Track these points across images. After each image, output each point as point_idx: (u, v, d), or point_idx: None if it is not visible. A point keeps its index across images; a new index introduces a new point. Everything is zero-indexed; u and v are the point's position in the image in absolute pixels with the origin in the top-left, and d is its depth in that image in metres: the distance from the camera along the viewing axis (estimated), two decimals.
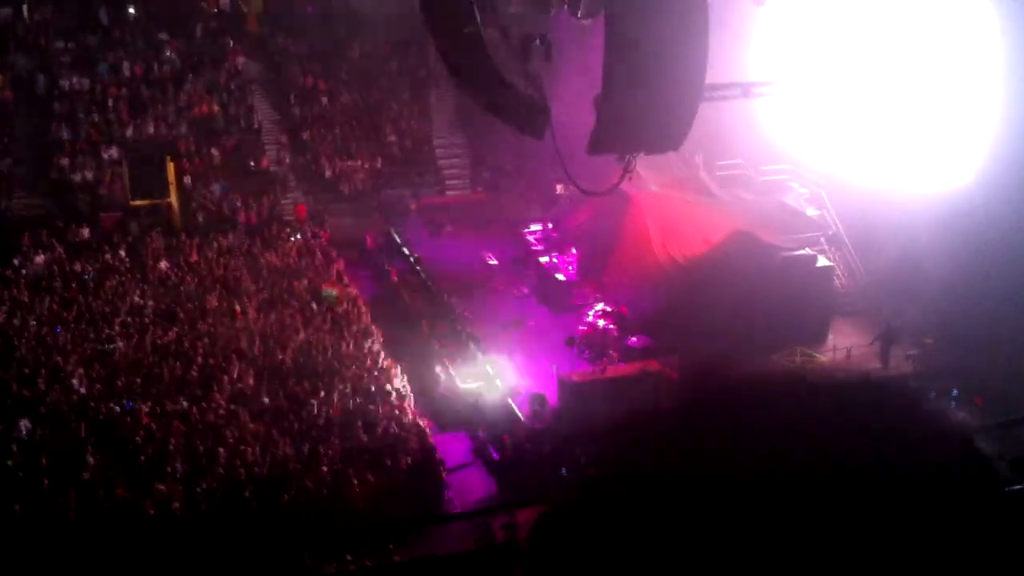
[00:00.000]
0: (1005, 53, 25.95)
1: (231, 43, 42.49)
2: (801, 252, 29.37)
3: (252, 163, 38.79)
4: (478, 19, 21.56)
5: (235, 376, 24.39)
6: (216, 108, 40.09)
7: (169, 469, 20.26)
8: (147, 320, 27.73)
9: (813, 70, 30.12)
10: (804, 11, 30.55)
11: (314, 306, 29.02)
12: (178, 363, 25.00)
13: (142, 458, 20.62)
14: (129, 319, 27.72)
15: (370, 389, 24.34)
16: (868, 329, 27.97)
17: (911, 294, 27.72)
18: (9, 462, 20.24)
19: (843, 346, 27.21)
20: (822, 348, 27.73)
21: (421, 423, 23.79)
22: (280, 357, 25.54)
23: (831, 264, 30.41)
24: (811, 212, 32.58)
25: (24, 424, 21.76)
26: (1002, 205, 24.85)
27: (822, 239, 31.36)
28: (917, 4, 27.67)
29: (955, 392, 26.02)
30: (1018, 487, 2.34)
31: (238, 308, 28.49)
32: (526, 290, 31.82)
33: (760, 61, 30.17)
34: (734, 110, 29.05)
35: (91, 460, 20.34)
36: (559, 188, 36.55)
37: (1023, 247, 24.18)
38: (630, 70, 18.51)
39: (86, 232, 34.38)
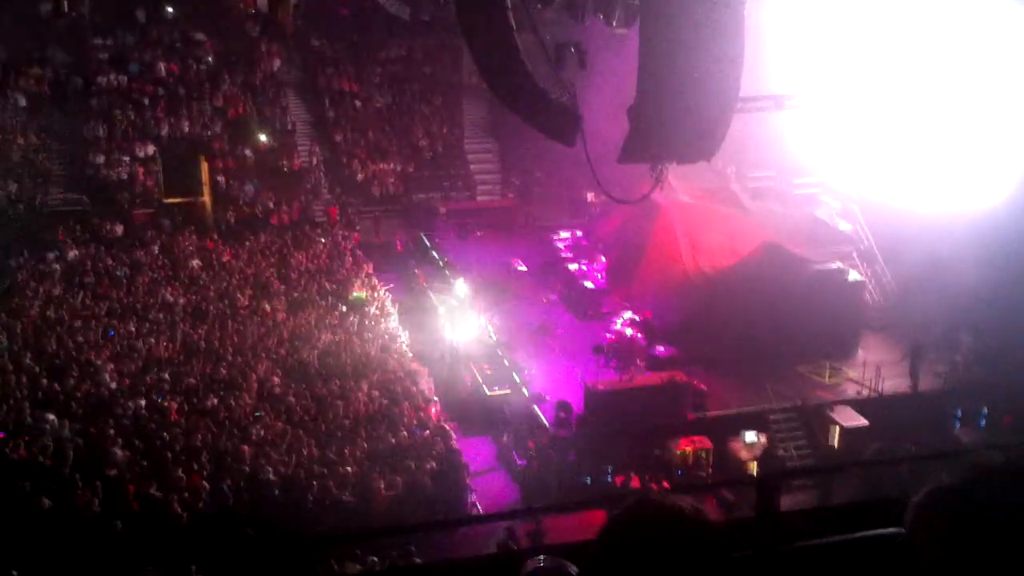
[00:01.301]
0: None
1: (266, 44, 42.77)
2: (832, 266, 29.26)
3: (285, 164, 39.01)
4: (513, 26, 21.63)
5: (263, 375, 24.54)
6: (250, 108, 40.35)
7: (195, 466, 20.36)
8: (178, 317, 27.95)
9: (846, 83, 30.00)
10: (836, 22, 30.42)
11: (343, 308, 29.18)
12: (207, 361, 25.19)
13: (169, 454, 20.74)
14: (160, 316, 27.95)
15: (396, 391, 24.41)
16: (898, 345, 27.80)
17: (942, 311, 27.54)
18: (40, 457, 20.37)
19: (873, 361, 27.03)
20: (851, 363, 27.57)
21: (446, 427, 23.84)
22: (307, 357, 25.68)
23: (862, 279, 30.28)
24: (843, 226, 32.49)
25: (51, 418, 21.93)
26: None
27: (853, 253, 31.26)
28: (951, 19, 27.48)
29: (985, 411, 25.85)
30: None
31: (268, 308, 28.67)
32: (554, 297, 31.84)
33: (793, 74, 30.07)
34: (767, 122, 29.03)
35: (119, 455, 20.45)
36: (589, 196, 36.59)
37: None
38: (664, 80, 18.52)
39: (119, 228, 34.70)
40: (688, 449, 24.18)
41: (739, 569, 2.57)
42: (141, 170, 37.27)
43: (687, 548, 2.09)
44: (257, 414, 22.73)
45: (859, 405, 25.52)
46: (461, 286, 30.17)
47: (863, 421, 24.84)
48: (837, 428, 24.90)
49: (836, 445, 24.99)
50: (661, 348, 27.34)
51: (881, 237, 31.18)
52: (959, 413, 26.02)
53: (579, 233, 34.88)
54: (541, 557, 2.59)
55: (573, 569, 2.28)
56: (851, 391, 26.62)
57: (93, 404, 22.71)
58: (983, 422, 25.98)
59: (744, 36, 18.33)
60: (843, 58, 30.32)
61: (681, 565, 2.08)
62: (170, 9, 42.70)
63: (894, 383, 26.10)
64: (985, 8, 26.36)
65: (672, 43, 18.26)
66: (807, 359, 27.16)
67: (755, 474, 23.31)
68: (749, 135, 28.28)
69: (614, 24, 23.15)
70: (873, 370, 26.48)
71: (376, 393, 24.13)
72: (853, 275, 29.83)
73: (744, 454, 24.47)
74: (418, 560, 18.09)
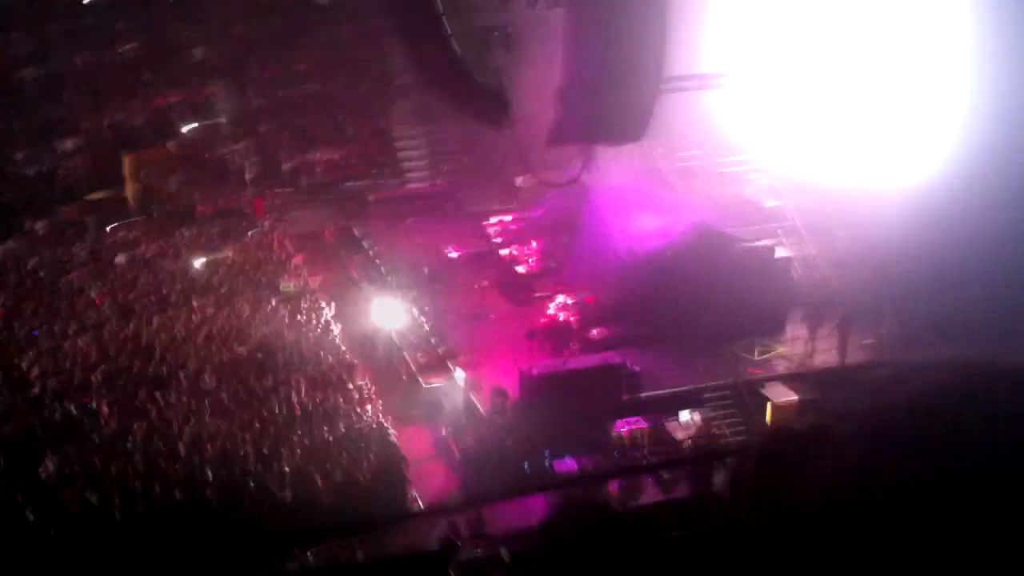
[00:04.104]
0: (970, 43, 26.16)
1: (189, 33, 42.00)
2: (759, 243, 29.56)
3: (209, 155, 38.43)
4: (441, 10, 21.54)
5: (194, 372, 24.21)
6: (173, 99, 39.63)
7: (129, 468, 20.06)
8: (104, 316, 27.45)
9: (774, 60, 30.28)
10: (764, 1, 30.66)
11: (273, 301, 28.87)
12: (136, 359, 24.78)
13: (100, 457, 20.40)
14: (87, 314, 27.44)
15: (331, 385, 24.24)
16: (825, 320, 28.19)
17: (868, 285, 27.98)
18: None
19: (801, 337, 27.41)
20: (781, 339, 27.93)
21: (383, 418, 23.74)
22: (239, 352, 25.38)
23: (789, 255, 30.64)
24: (769, 204, 32.81)
25: None
26: (966, 196, 25.10)
27: (779, 230, 31.58)
28: None
29: None
30: None
31: (196, 303, 28.27)
32: (487, 283, 31.78)
33: (720, 52, 30.25)
34: (694, 101, 29.21)
35: (49, 460, 20.09)
36: (519, 180, 36.55)
37: (985, 239, 24.45)
38: (590, 62, 18.59)
39: (41, 226, 33.95)
40: (624, 431, 24.33)
41: (673, 551, 2.59)
42: (63, 165, 36.47)
43: (611, 541, 2.16)
44: (192, 404, 22.48)
45: (790, 381, 25.87)
46: (392, 275, 29.99)
47: (794, 396, 25.19)
48: (769, 404, 25.21)
49: (769, 421, 25.31)
50: (595, 331, 27.45)
51: (808, 214, 31.55)
52: None
53: (510, 218, 34.83)
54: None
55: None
56: (781, 367, 26.97)
57: (20, 407, 22.26)
58: None
59: (668, 17, 18.44)
60: (772, 35, 30.60)
61: (610, 557, 2.14)
62: None
63: (823, 358, 26.50)
64: None
65: (598, 25, 18.32)
66: (737, 337, 27.44)
67: (691, 454, 23.60)
68: (677, 114, 28.41)
69: (539, 7, 23.12)
70: (802, 345, 26.86)
71: (311, 387, 23.94)
72: (780, 252, 30.19)
73: (680, 434, 24.70)
74: (360, 554, 18.04)
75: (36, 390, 23.18)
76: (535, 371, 24.96)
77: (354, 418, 22.96)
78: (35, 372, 23.90)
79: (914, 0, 27.16)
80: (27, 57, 39.46)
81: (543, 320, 28.08)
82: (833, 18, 29.00)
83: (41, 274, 30.24)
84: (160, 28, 41.60)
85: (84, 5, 41.51)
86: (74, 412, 22.19)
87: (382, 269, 31.80)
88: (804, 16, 29.82)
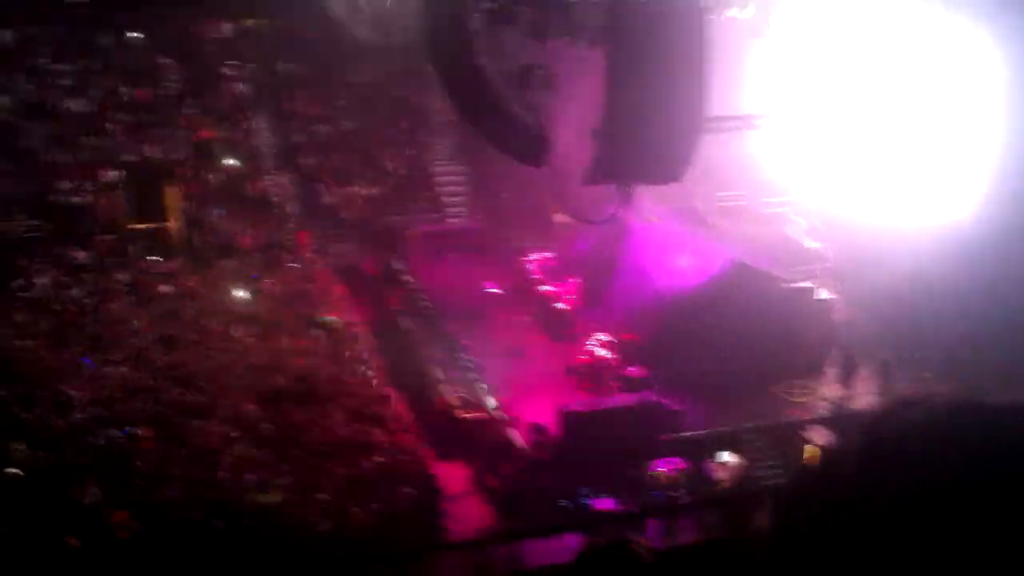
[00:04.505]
0: (1004, 83, 26.12)
1: (231, 68, 42.61)
2: (801, 284, 29.44)
3: (251, 188, 38.82)
4: (478, 49, 21.70)
5: (235, 402, 24.36)
6: (216, 132, 40.15)
7: (168, 494, 20.19)
8: (146, 344, 27.70)
9: (812, 102, 30.28)
10: (802, 43, 30.74)
11: (313, 332, 29.03)
12: (177, 388, 24.97)
13: (141, 483, 20.56)
14: (130, 343, 27.69)
15: (370, 416, 24.31)
16: (866, 362, 27.96)
17: (910, 327, 27.77)
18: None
19: (842, 379, 27.19)
20: (822, 381, 27.73)
21: (420, 451, 23.75)
22: (280, 383, 25.52)
23: (831, 297, 30.49)
24: (810, 244, 32.70)
25: (19, 447, 21.69)
26: (1001, 237, 24.96)
27: (820, 272, 31.45)
28: (915, 36, 27.84)
29: None
30: None
31: (237, 333, 28.48)
32: (526, 318, 31.80)
33: (760, 94, 30.32)
34: (735, 142, 29.24)
35: (92, 485, 20.25)
36: (559, 217, 36.63)
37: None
38: (630, 100, 18.64)
39: (84, 255, 34.34)
40: (663, 470, 24.19)
41: None
42: (105, 196, 36.93)
43: None
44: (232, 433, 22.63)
45: (830, 423, 25.65)
46: (431, 309, 30.09)
47: (834, 439, 24.93)
48: (809, 447, 25.01)
49: (808, 464, 25.04)
50: (634, 369, 27.37)
51: (849, 255, 31.41)
52: None
53: (550, 254, 34.87)
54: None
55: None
56: (822, 409, 26.76)
57: (64, 433, 22.47)
58: None
59: (709, 58, 18.49)
60: (812, 76, 30.63)
61: None
62: (134, 33, 42.46)
63: (864, 400, 26.28)
64: (946, 24, 26.74)
65: (637, 65, 18.39)
66: (778, 378, 27.29)
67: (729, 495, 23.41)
68: (717, 154, 28.45)
69: (579, 46, 23.22)
70: (843, 388, 26.64)
71: (349, 418, 24.02)
72: (822, 293, 30.05)
73: (719, 474, 24.53)
74: None
75: (79, 416, 23.39)
76: (573, 408, 24.95)
77: (391, 450, 22.99)
78: (78, 399, 24.12)
79: (950, 42, 27.14)
80: (70, 90, 40.15)
81: (582, 357, 28.04)
82: (872, 60, 29.02)
83: (85, 303, 30.54)
84: (201, 62, 42.25)
85: (127, 39, 42.25)
86: (116, 439, 22.37)
87: (421, 303, 31.89)
88: (843, 57, 29.84)
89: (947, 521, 1.11)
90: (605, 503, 23.21)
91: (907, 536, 1.12)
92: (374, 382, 26.80)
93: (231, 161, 39.38)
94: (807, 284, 29.76)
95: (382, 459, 22.51)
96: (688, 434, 25.16)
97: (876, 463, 1.25)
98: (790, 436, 25.44)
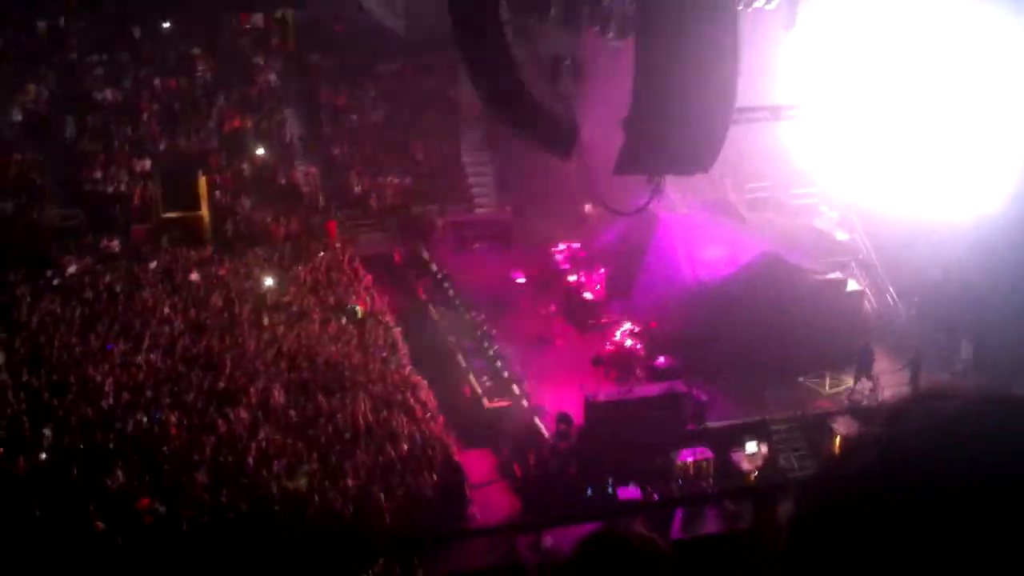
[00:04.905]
0: None
1: (262, 59, 42.86)
2: (831, 276, 29.27)
3: (282, 178, 39.04)
4: (509, 40, 21.70)
5: (262, 389, 24.53)
6: (247, 123, 40.40)
7: (196, 481, 20.37)
8: (177, 332, 27.93)
9: (843, 93, 30.08)
10: (833, 34, 30.53)
11: (342, 320, 29.19)
12: (207, 375, 25.18)
13: (168, 468, 20.75)
14: (160, 330, 27.93)
15: (396, 404, 24.41)
16: (898, 354, 27.77)
17: (942, 319, 27.56)
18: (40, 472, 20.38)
19: (872, 371, 27.01)
20: (851, 372, 27.54)
21: (446, 439, 23.83)
22: (307, 370, 25.68)
23: (861, 288, 30.31)
24: (841, 236, 32.53)
25: (47, 433, 21.95)
26: None
27: (852, 263, 31.26)
28: (948, 27, 27.60)
29: None
30: None
31: (267, 321, 28.68)
32: (553, 308, 31.78)
33: (790, 84, 30.15)
34: (764, 133, 29.10)
35: (119, 470, 20.46)
36: (587, 207, 36.59)
37: None
38: (659, 91, 18.56)
39: (117, 244, 34.67)
40: (689, 460, 24.14)
41: None
42: (138, 185, 37.27)
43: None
44: (260, 420, 22.79)
45: (860, 415, 25.50)
46: (459, 298, 30.17)
47: (864, 431, 24.77)
48: (838, 438, 24.88)
49: (837, 456, 24.92)
50: (661, 359, 27.31)
51: (880, 246, 31.21)
52: None
53: (577, 245, 34.83)
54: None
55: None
56: (851, 401, 26.61)
57: (92, 419, 22.71)
58: None
59: (739, 47, 18.38)
60: (841, 67, 30.42)
61: None
62: (166, 25, 42.78)
63: (894, 392, 26.07)
64: (979, 16, 26.49)
65: (668, 55, 18.31)
66: (807, 369, 27.16)
67: (755, 485, 23.32)
68: (747, 145, 28.33)
69: (610, 36, 23.15)
70: (873, 380, 26.46)
71: (376, 406, 24.13)
72: (852, 284, 29.88)
73: (745, 465, 24.46)
74: (420, 573, 18.10)
75: (109, 402, 23.63)
76: (600, 397, 24.90)
77: (418, 438, 23.08)
78: (108, 385, 24.36)
79: (981, 33, 26.88)
80: (105, 81, 40.52)
81: (609, 347, 28.00)
82: (903, 50, 28.79)
83: (116, 290, 30.82)
84: (233, 54, 42.51)
85: (162, 31, 42.57)
86: (145, 425, 22.59)
87: (449, 292, 31.97)
88: (875, 48, 29.63)
89: (973, 516, 1.09)
90: (630, 492, 23.19)
91: (932, 530, 1.09)
92: (402, 370, 26.90)
93: (262, 151, 39.62)
94: (837, 275, 29.56)
95: (408, 446, 22.58)
96: (714, 424, 25.08)
97: (904, 456, 1.21)
98: (818, 427, 25.30)
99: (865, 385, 26.48)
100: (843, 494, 1.22)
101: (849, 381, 27.21)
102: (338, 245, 35.75)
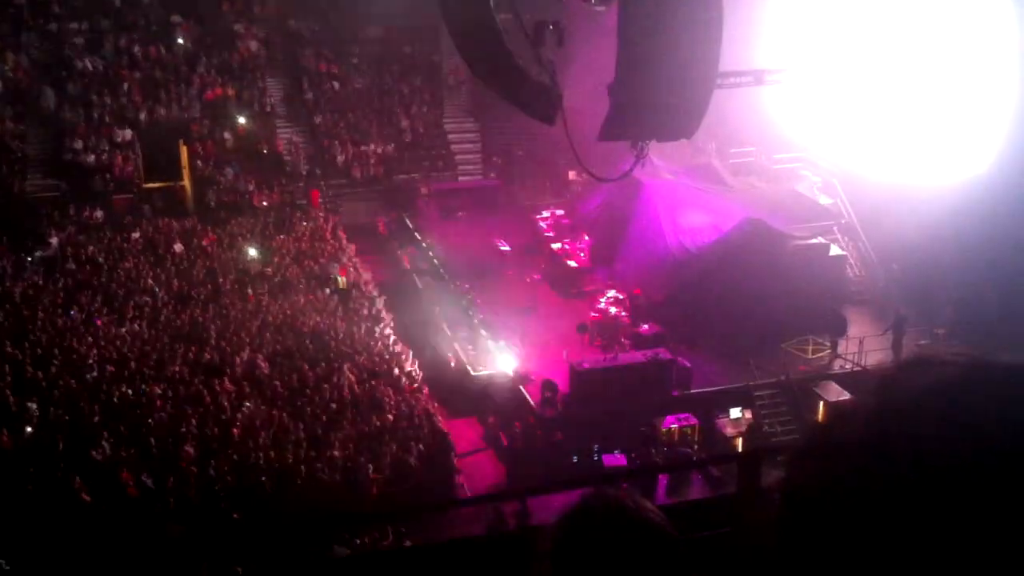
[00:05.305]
0: (1020, 41, 25.86)
1: (244, 26, 42.47)
2: (813, 240, 29.33)
3: (264, 147, 38.82)
4: (492, 4, 21.50)
5: (247, 359, 24.50)
6: (229, 91, 40.09)
7: (182, 452, 20.35)
8: (161, 303, 27.85)
9: (826, 58, 30.03)
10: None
11: (326, 290, 29.14)
12: (191, 346, 25.12)
13: (153, 441, 20.72)
14: (143, 301, 27.83)
15: (381, 374, 24.41)
16: (880, 318, 27.91)
17: (924, 283, 27.66)
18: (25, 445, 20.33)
19: (855, 335, 27.14)
20: (834, 337, 27.66)
21: (432, 408, 23.86)
22: (292, 341, 25.64)
23: (843, 253, 30.39)
24: (824, 201, 32.57)
25: (32, 406, 21.88)
26: (1016, 194, 24.78)
27: (835, 228, 31.33)
28: None
29: None
30: None
31: (251, 292, 28.61)
32: (537, 276, 31.80)
33: (773, 49, 30.07)
34: (747, 98, 29.03)
35: (104, 443, 20.43)
36: (571, 174, 36.56)
37: None
38: (643, 56, 18.44)
39: (100, 214, 34.48)
40: (674, 426, 24.26)
41: (699, 549, 2.57)
42: (120, 155, 36.99)
43: (630, 546, 2.11)
44: (245, 391, 22.76)
45: (843, 379, 25.62)
46: (443, 266, 30.12)
47: (847, 396, 24.93)
48: (822, 403, 25.01)
49: (821, 420, 25.05)
50: (645, 326, 27.36)
51: (862, 211, 31.27)
52: None
53: (561, 212, 34.82)
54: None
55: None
56: (835, 365, 26.74)
57: (76, 391, 22.64)
58: None
59: (722, 11, 18.28)
60: (825, 31, 30.36)
61: (625, 562, 2.10)
62: None
63: (877, 356, 26.21)
64: None
65: (651, 20, 18.18)
66: (790, 335, 27.25)
67: (739, 450, 23.45)
68: (730, 110, 28.27)
69: (593, 1, 22.99)
70: (856, 344, 26.58)
71: (361, 376, 24.12)
72: (834, 249, 29.94)
73: (730, 430, 24.60)
74: (408, 542, 18.16)
75: (93, 374, 23.56)
76: (585, 365, 24.95)
77: (403, 407, 23.10)
78: (92, 357, 24.29)
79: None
80: (85, 49, 40.09)
81: (593, 314, 28.04)
82: (888, 15, 28.72)
83: (99, 261, 30.68)
84: (215, 21, 42.10)
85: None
86: (130, 396, 22.55)
87: (434, 261, 31.92)
88: (859, 13, 29.55)
89: (958, 484, 1.07)
90: (616, 459, 23.30)
91: (917, 498, 1.09)
92: (386, 340, 26.90)
93: (244, 120, 39.35)
94: (820, 240, 29.62)
95: (393, 416, 22.61)
96: (699, 390, 25.17)
97: (888, 423, 1.20)
98: (802, 393, 25.42)
99: (863, 347, 26.48)
100: (835, 465, 1.19)
101: (832, 346, 27.32)
102: (321, 214, 35.65)
